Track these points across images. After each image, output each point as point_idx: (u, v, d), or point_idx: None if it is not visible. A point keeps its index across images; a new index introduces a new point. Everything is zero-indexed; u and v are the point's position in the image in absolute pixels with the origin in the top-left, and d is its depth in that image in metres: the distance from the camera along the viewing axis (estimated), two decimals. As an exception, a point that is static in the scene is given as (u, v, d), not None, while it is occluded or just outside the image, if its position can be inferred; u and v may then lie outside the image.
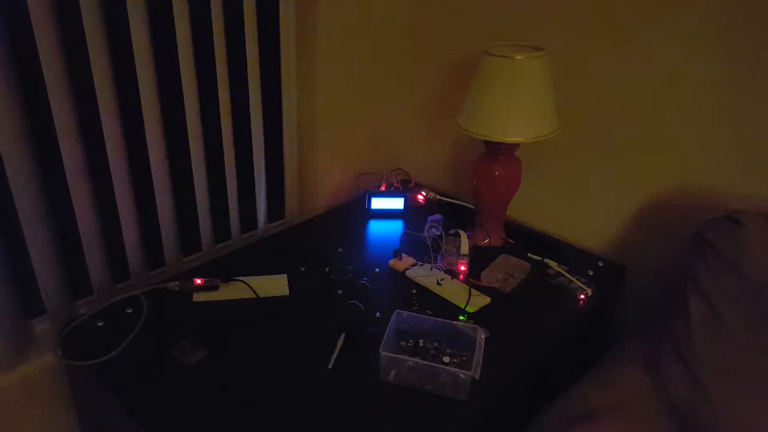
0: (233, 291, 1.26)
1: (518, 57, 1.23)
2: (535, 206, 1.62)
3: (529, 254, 1.46)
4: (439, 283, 1.32)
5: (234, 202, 1.54)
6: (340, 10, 1.54)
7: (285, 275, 1.33)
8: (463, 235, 1.36)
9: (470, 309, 1.25)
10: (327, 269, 1.37)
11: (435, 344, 1.12)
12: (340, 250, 1.45)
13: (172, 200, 1.39)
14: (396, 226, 1.60)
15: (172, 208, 1.39)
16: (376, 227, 1.58)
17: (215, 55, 1.35)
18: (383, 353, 1.03)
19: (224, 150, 1.47)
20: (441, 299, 1.28)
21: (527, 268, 1.39)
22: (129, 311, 1.19)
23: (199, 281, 1.26)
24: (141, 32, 1.19)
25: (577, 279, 1.34)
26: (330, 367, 1.08)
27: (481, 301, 1.27)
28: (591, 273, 1.39)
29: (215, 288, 1.26)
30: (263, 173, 1.58)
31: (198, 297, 1.24)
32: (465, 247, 1.35)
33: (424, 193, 1.73)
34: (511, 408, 1.16)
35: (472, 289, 1.30)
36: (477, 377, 1.00)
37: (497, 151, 1.39)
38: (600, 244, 1.51)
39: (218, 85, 1.39)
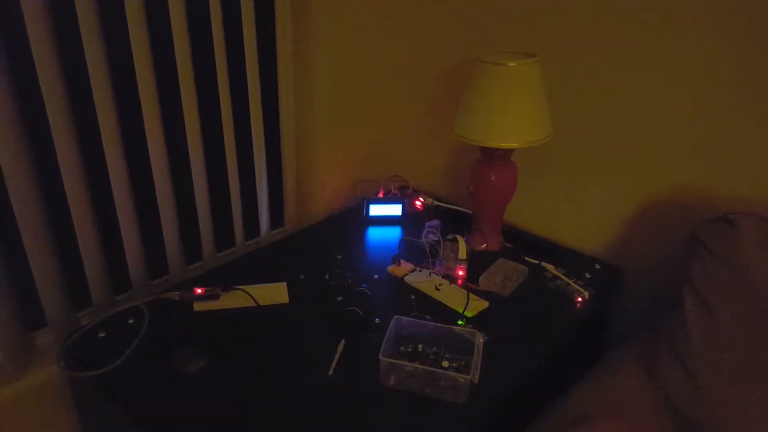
0: (234, 300, 1.27)
1: (512, 64, 1.25)
2: (532, 210, 1.63)
3: (527, 258, 1.47)
4: (437, 289, 1.33)
5: (238, 211, 1.55)
6: (336, 19, 1.56)
7: (284, 283, 1.34)
8: (461, 240, 1.37)
9: (469, 313, 1.26)
10: (326, 276, 1.38)
11: (434, 349, 1.13)
12: (339, 257, 1.46)
13: (175, 209, 1.40)
14: (394, 233, 1.61)
15: (174, 218, 1.41)
16: (374, 234, 1.60)
17: (215, 60, 1.36)
18: (383, 359, 1.03)
19: (227, 158, 1.48)
20: (440, 304, 1.29)
21: (525, 272, 1.40)
22: (131, 321, 1.20)
23: (199, 291, 1.27)
24: (140, 41, 1.20)
25: (574, 282, 1.35)
26: (330, 373, 1.09)
27: (479, 305, 1.28)
28: (588, 276, 1.40)
29: (216, 297, 1.27)
30: (265, 181, 1.60)
31: (199, 306, 1.25)
32: (463, 252, 1.36)
33: (421, 199, 1.74)
34: (511, 411, 1.16)
35: (470, 294, 1.31)
36: (476, 381, 1.01)
37: (493, 157, 1.40)
38: (596, 246, 1.52)
39: (219, 94, 1.40)
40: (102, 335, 1.16)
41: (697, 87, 1.25)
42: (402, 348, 1.13)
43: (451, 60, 1.65)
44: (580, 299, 1.31)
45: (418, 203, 1.74)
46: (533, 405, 1.16)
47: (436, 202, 1.73)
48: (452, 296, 1.30)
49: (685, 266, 1.17)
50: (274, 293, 1.30)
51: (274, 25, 1.50)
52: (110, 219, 1.30)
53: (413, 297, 1.31)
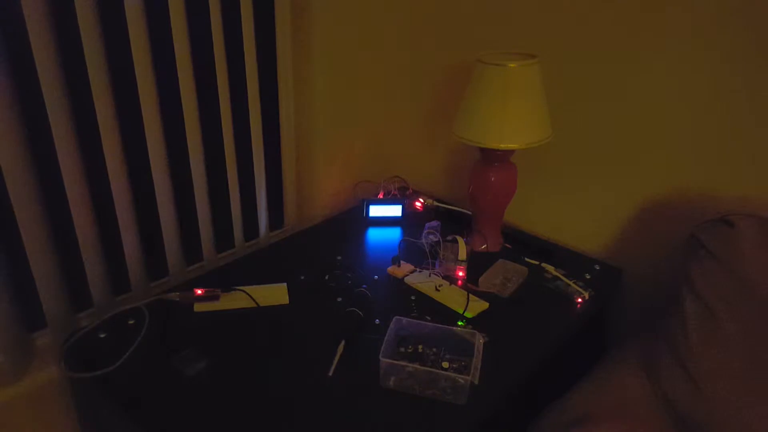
0: (234, 300, 1.27)
1: (511, 65, 1.25)
2: (532, 211, 1.63)
3: (527, 259, 1.47)
4: (437, 289, 1.33)
5: (237, 212, 1.55)
6: (336, 19, 1.56)
7: (285, 284, 1.34)
8: (461, 241, 1.37)
9: (468, 314, 1.26)
10: (326, 277, 1.38)
11: (434, 350, 1.13)
12: (339, 258, 1.47)
13: (174, 211, 1.40)
14: (394, 234, 1.61)
15: (174, 219, 1.41)
16: (374, 235, 1.60)
17: (215, 61, 1.36)
18: (383, 360, 1.04)
19: (227, 160, 1.48)
20: (440, 305, 1.29)
21: (525, 273, 1.40)
22: (131, 322, 1.20)
23: (199, 292, 1.27)
24: (140, 43, 1.21)
25: (574, 283, 1.35)
26: (330, 374, 1.09)
27: (479, 306, 1.28)
28: (588, 277, 1.40)
29: (216, 298, 1.27)
30: (264, 183, 1.60)
31: (199, 307, 1.25)
32: (462, 253, 1.36)
33: (421, 200, 1.74)
34: (511, 411, 1.16)
35: (470, 295, 1.31)
36: (476, 382, 1.01)
37: (493, 158, 1.40)
38: (596, 247, 1.53)
39: (219, 96, 1.40)
40: (102, 336, 1.17)
41: (697, 87, 1.26)
42: (402, 349, 1.13)
43: (450, 61, 1.66)
44: (580, 300, 1.31)
45: (418, 204, 1.74)
46: (533, 405, 1.16)
47: (436, 203, 1.73)
48: (452, 297, 1.31)
49: (685, 267, 1.18)
50: (275, 294, 1.30)
51: (273, 25, 1.50)
52: (110, 220, 1.30)
53: (413, 298, 1.31)
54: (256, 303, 1.27)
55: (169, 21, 1.25)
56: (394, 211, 1.66)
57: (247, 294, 1.29)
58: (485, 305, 1.29)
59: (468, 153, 1.70)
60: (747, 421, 1.02)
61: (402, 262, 1.43)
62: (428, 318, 1.24)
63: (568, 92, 1.45)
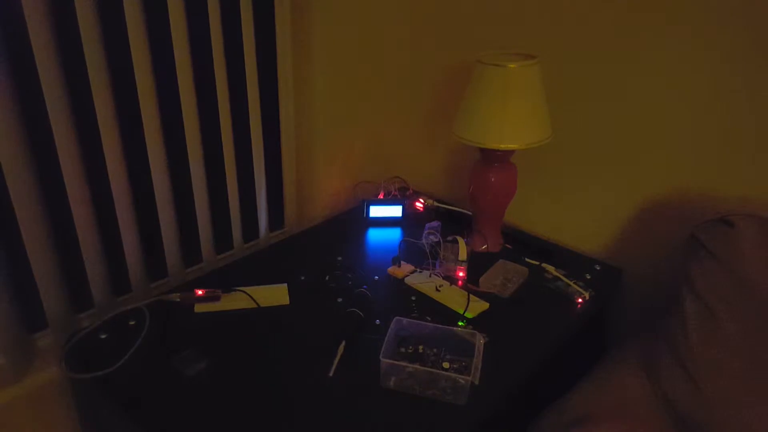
0: (234, 301, 1.27)
1: (511, 65, 1.25)
2: (532, 211, 1.63)
3: (527, 259, 1.47)
4: (437, 290, 1.33)
5: (236, 213, 1.55)
6: (336, 19, 1.56)
7: (285, 284, 1.34)
8: (461, 241, 1.37)
9: (469, 314, 1.26)
10: (326, 278, 1.38)
11: (434, 350, 1.13)
12: (340, 258, 1.47)
13: (174, 212, 1.40)
14: (394, 234, 1.61)
15: (173, 220, 1.41)
16: (374, 235, 1.60)
17: (214, 62, 1.36)
18: (383, 360, 1.04)
19: (225, 161, 1.48)
20: (440, 305, 1.29)
21: (525, 273, 1.40)
22: (132, 323, 1.20)
23: (200, 292, 1.27)
24: (140, 44, 1.21)
25: (574, 283, 1.35)
26: (331, 374, 1.09)
27: (479, 306, 1.28)
28: (588, 277, 1.40)
29: (216, 299, 1.27)
30: (263, 183, 1.60)
31: (199, 308, 1.25)
32: (463, 254, 1.36)
33: (422, 201, 1.74)
34: (511, 412, 1.16)
35: (470, 295, 1.31)
36: (476, 382, 1.01)
37: (493, 158, 1.40)
38: (597, 247, 1.53)
39: (218, 96, 1.40)
40: (103, 337, 1.17)
41: (697, 87, 1.26)
42: (402, 349, 1.13)
43: (451, 61, 1.66)
44: (580, 300, 1.31)
45: (418, 204, 1.74)
46: (533, 405, 1.16)
47: (437, 204, 1.73)
48: (452, 297, 1.31)
49: (685, 267, 1.18)
50: (275, 295, 1.30)
51: (273, 25, 1.50)
52: (110, 220, 1.30)
53: (413, 298, 1.31)
54: (257, 303, 1.27)
55: (169, 21, 1.25)
56: (395, 211, 1.66)
57: (248, 294, 1.29)
58: (485, 305, 1.29)
59: (468, 153, 1.70)
60: (747, 421, 1.02)
61: (402, 262, 1.43)
62: (428, 318, 1.24)
63: (568, 92, 1.45)
